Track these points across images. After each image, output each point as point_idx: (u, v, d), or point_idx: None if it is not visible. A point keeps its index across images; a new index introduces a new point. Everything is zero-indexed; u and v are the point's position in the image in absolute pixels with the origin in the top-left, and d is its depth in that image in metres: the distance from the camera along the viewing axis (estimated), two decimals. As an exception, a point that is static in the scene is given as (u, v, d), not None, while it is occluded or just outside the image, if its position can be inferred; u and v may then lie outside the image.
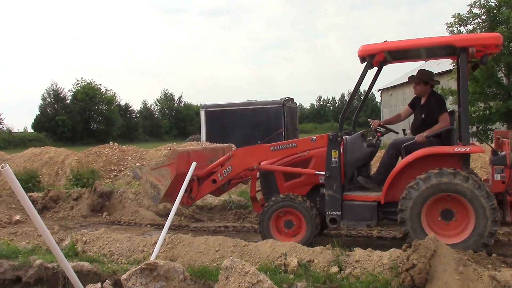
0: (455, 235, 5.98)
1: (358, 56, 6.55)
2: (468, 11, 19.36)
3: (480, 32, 19.01)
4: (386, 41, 6.60)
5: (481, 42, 6.14)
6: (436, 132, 6.49)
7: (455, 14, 19.39)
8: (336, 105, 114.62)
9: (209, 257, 5.86)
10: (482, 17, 19.15)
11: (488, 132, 19.23)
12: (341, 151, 6.55)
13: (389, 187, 6.26)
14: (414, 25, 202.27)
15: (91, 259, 6.25)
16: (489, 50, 6.29)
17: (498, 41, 6.09)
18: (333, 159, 6.53)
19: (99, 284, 3.08)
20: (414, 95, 7.17)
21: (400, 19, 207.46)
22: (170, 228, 7.72)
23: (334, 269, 5.25)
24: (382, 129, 7.10)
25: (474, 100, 19.03)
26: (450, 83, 22.30)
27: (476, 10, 19.21)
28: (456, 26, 19.52)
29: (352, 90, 7.79)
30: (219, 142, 15.39)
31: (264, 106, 21.13)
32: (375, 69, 7.36)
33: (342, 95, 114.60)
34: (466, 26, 19.52)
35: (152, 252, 5.86)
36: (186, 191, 7.17)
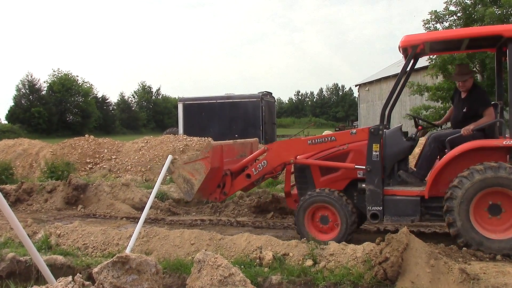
0: (505, 230, 5.79)
1: (400, 47, 6.36)
2: (444, 8, 19.63)
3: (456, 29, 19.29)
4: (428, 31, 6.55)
5: None
6: (482, 125, 6.31)
7: (432, 11, 19.66)
8: (314, 100, 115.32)
9: (184, 251, 5.85)
10: (458, 14, 19.44)
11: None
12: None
13: (433, 181, 6.09)
14: (392, 21, 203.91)
15: (65, 252, 6.19)
16: None
17: None
18: (374, 153, 6.34)
19: (70, 277, 3.05)
20: (454, 90, 7.02)
21: (377, 15, 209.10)
22: (146, 221, 7.72)
23: (309, 262, 5.28)
24: (424, 123, 7.00)
25: (449, 96, 19.32)
26: (426, 79, 22.61)
27: (452, 8, 19.50)
28: (433, 23, 19.78)
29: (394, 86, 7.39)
30: (197, 135, 15.33)
31: (242, 100, 21.13)
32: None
33: (321, 90, 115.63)
34: (442, 23, 19.80)
35: (127, 245, 5.84)
36: (218, 186, 7.15)
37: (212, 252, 5.63)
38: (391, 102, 6.62)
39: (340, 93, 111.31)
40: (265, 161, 6.93)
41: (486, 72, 18.50)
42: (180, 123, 21.94)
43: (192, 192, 6.90)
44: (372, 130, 6.37)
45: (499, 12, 18.21)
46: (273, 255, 5.40)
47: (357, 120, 44.10)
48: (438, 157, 6.49)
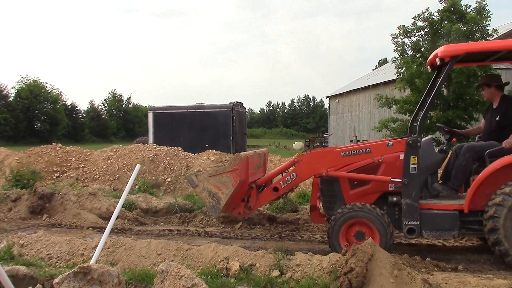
0: None
1: (440, 56, 6.20)
2: (412, 23, 20.11)
3: (423, 44, 19.80)
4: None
5: None
6: None
7: (400, 25, 20.12)
8: (285, 111, 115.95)
9: (150, 261, 5.80)
10: (425, 29, 19.94)
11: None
12: None
13: (473, 195, 5.96)
14: (361, 35, 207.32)
15: (28, 263, 6.04)
16: None
17: None
18: (411, 166, 6.13)
19: (31, 289, 3.00)
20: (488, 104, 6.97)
21: (348, 27, 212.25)
22: (112, 231, 7.62)
23: (275, 273, 5.30)
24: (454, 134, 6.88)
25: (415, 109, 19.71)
26: (394, 92, 23.03)
27: (420, 23, 20.01)
28: (401, 37, 20.24)
29: (425, 95, 7.36)
30: (167, 144, 15.22)
31: (213, 110, 21.09)
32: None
33: (292, 101, 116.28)
34: (410, 38, 20.28)
35: (93, 255, 5.74)
36: (242, 200, 6.80)
37: (179, 262, 5.62)
38: (422, 112, 6.54)
39: (311, 105, 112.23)
40: (294, 174, 6.62)
41: (452, 86, 18.97)
42: (150, 132, 21.76)
43: (219, 207, 6.47)
44: (410, 141, 6.18)
45: (465, 28, 18.76)
46: (239, 265, 5.39)
47: (327, 132, 44.46)
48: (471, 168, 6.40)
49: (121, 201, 6.42)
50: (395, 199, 6.28)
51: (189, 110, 21.45)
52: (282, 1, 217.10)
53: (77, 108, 76.72)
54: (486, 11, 19.43)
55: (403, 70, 19.78)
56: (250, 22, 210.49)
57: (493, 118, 6.56)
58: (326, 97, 45.35)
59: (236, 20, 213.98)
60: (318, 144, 41.93)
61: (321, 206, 7.08)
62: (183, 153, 14.27)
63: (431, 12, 19.86)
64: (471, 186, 6.00)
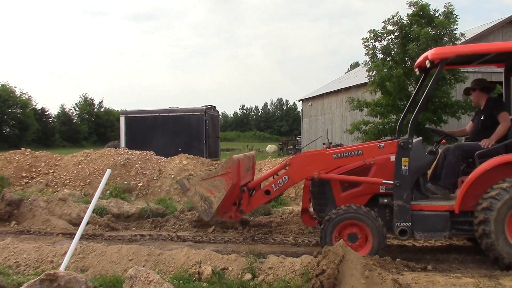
0: None
1: (430, 59, 6.28)
2: (382, 28, 20.39)
3: (393, 48, 20.12)
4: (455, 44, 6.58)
5: None
6: (499, 136, 6.39)
7: (371, 30, 20.39)
8: (259, 114, 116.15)
9: (121, 267, 5.73)
10: (395, 33, 20.24)
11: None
12: None
13: (464, 195, 6.04)
14: (333, 38, 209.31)
15: (-5, 271, 5.91)
16: None
17: None
18: (403, 167, 6.20)
19: (-4, 297, 2.94)
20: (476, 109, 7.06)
21: (320, 31, 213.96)
22: (83, 237, 7.51)
23: (248, 276, 5.30)
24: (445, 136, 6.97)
25: (387, 112, 20.03)
26: (366, 95, 23.31)
27: (390, 27, 20.30)
28: (372, 41, 20.50)
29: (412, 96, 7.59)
30: (139, 149, 15.08)
31: (186, 114, 21.02)
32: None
33: (265, 104, 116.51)
34: (381, 42, 20.56)
35: (62, 262, 5.65)
36: (234, 203, 6.71)
37: (151, 267, 5.58)
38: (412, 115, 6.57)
39: (285, 108, 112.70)
40: (286, 176, 6.57)
41: (422, 89, 19.24)
42: (122, 136, 21.55)
43: (211, 211, 6.38)
44: (401, 143, 6.24)
45: (434, 32, 19.11)
46: (212, 269, 5.38)
47: (301, 135, 44.68)
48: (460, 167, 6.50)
49: (91, 207, 6.33)
50: (386, 200, 6.33)
51: (161, 114, 21.34)
52: (253, 5, 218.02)
53: (47, 113, 75.26)
54: (454, 16, 19.84)
55: (374, 73, 20.04)
56: (222, 25, 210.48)
57: (479, 119, 6.73)
58: (299, 100, 45.59)
59: (208, 24, 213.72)
60: (291, 147, 42.12)
61: (312, 208, 7.10)
62: (156, 157, 14.17)
63: (400, 17, 20.20)
64: (462, 187, 6.08)
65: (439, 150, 6.90)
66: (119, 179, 12.61)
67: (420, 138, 6.70)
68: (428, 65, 6.43)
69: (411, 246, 7.36)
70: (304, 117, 43.80)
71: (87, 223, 7.80)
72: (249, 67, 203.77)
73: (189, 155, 14.02)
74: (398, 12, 20.35)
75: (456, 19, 19.80)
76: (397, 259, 6.01)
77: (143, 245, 6.92)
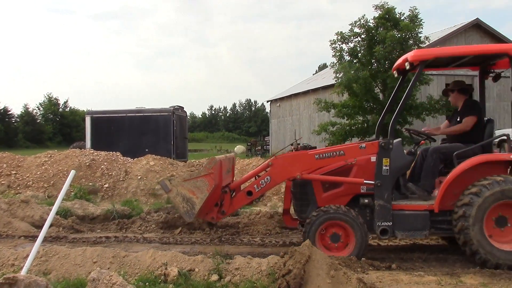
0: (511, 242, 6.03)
1: (410, 61, 6.37)
2: (349, 30, 20.63)
3: (360, 50, 20.39)
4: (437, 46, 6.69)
5: None
6: (450, 132, 6.64)
7: (338, 32, 20.59)
8: (227, 115, 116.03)
9: (86, 269, 5.62)
10: (362, 36, 20.50)
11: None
12: None
13: (443, 195, 6.18)
14: (301, 40, 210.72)
15: (-47, 275, 5.73)
16: None
17: None
18: (384, 167, 6.29)
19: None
20: (454, 108, 7.23)
21: (288, 33, 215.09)
22: (46, 240, 7.35)
23: (214, 277, 5.28)
24: (423, 136, 6.99)
25: (353, 113, 20.28)
26: (333, 97, 23.54)
27: (356, 29, 20.55)
28: (339, 43, 20.71)
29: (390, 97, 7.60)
30: (105, 149, 14.86)
31: (153, 114, 20.81)
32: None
33: (234, 105, 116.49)
34: (348, 44, 20.79)
35: (24, 265, 5.51)
36: (216, 204, 6.64)
37: (116, 270, 5.50)
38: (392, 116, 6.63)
39: (253, 109, 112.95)
40: (268, 177, 6.56)
41: (387, 91, 19.60)
42: (87, 137, 21.19)
43: (193, 212, 6.34)
44: (382, 144, 6.34)
45: (399, 35, 19.45)
46: (178, 271, 5.33)
47: (269, 136, 44.85)
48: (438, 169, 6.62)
49: (54, 208, 6.20)
50: (366, 201, 6.41)
51: (128, 114, 21.07)
52: (222, 5, 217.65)
53: (10, 113, 73.41)
54: (419, 19, 20.22)
55: (341, 75, 20.25)
56: (190, 26, 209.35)
57: (456, 120, 6.88)
58: (267, 101, 45.71)
59: (176, 24, 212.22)
60: (259, 147, 42.21)
61: (293, 209, 7.10)
62: (122, 158, 13.98)
63: (367, 19, 20.46)
64: (441, 186, 6.21)
65: (418, 151, 7.03)
66: (84, 180, 12.40)
67: (400, 139, 6.81)
68: (407, 67, 6.53)
69: (376, 245, 7.47)
70: (272, 118, 43.95)
71: (51, 225, 7.65)
72: (218, 68, 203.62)
73: (156, 156, 13.88)
74: (364, 15, 20.66)
75: (421, 22, 20.20)
76: (362, 258, 6.09)
77: (108, 247, 6.82)
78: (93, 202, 10.95)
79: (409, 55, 6.45)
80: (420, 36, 20.34)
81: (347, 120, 20.74)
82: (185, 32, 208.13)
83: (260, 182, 6.59)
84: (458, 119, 6.87)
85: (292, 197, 6.99)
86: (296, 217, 7.20)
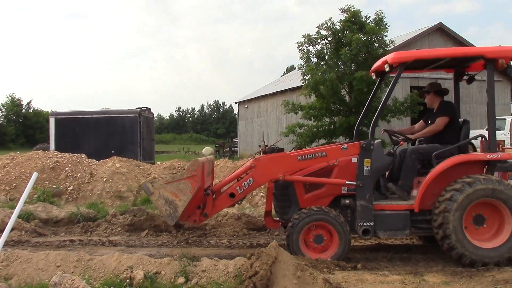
0: (489, 240, 6.22)
1: (390, 63, 6.50)
2: (316, 33, 20.80)
3: (327, 52, 20.60)
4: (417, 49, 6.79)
5: (509, 55, 6.46)
6: (424, 133, 6.81)
7: (305, 34, 20.74)
8: (195, 116, 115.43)
9: (49, 274, 5.49)
10: (329, 38, 20.70)
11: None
12: None
13: (423, 195, 6.31)
14: (269, 42, 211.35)
15: None
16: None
17: None
18: (365, 168, 6.38)
19: None
20: (428, 109, 7.38)
21: (256, 35, 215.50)
22: (7, 244, 7.16)
23: (181, 279, 5.26)
24: (400, 137, 7.08)
25: (320, 115, 20.46)
26: (300, 98, 23.70)
27: (323, 32, 20.73)
28: (306, 45, 20.87)
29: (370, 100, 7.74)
30: (70, 151, 14.56)
31: (119, 115, 20.52)
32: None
33: (202, 106, 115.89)
34: (315, 46, 20.97)
35: (-17, 271, 5.37)
36: (198, 207, 6.54)
37: (80, 274, 5.41)
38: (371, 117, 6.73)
39: (221, 110, 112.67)
40: (251, 179, 6.55)
41: (354, 93, 19.85)
42: (51, 138, 20.74)
43: (176, 215, 6.26)
44: (364, 145, 6.43)
45: (365, 38, 19.73)
46: (144, 274, 5.27)
47: (237, 137, 44.85)
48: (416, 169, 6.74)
49: (16, 212, 6.06)
50: (347, 201, 6.49)
51: (93, 116, 20.73)
52: (190, 7, 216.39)
53: (-30, 113, 71.34)
54: (384, 23, 20.55)
55: (308, 77, 20.41)
56: (158, 27, 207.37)
57: (432, 122, 7.03)
58: (235, 103, 45.68)
59: (143, 24, 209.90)
60: (227, 149, 42.14)
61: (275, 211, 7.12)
62: (87, 160, 13.73)
63: (333, 22, 20.67)
64: (421, 186, 6.35)
65: (397, 151, 7.16)
66: (47, 182, 12.13)
67: (380, 140, 6.92)
68: (387, 69, 6.65)
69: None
70: (240, 120, 43.95)
71: (12, 229, 7.49)
72: (186, 69, 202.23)
73: (122, 158, 13.70)
74: (331, 18, 20.85)
75: (386, 26, 20.54)
76: (329, 259, 6.15)
77: (72, 250, 6.69)
78: (57, 205, 10.73)
79: (389, 57, 6.58)
80: (386, 40, 20.68)
81: (314, 122, 20.90)
82: (153, 33, 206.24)
83: (243, 184, 6.57)
84: (430, 121, 7.06)
85: (273, 198, 7.01)
86: (278, 218, 7.21)
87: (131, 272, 5.35)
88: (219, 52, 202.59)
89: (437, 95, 7.14)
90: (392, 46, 21.46)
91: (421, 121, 7.49)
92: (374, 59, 19.86)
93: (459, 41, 27.04)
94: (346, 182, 6.46)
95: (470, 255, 6.03)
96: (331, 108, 20.36)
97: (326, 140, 20.57)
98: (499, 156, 6.38)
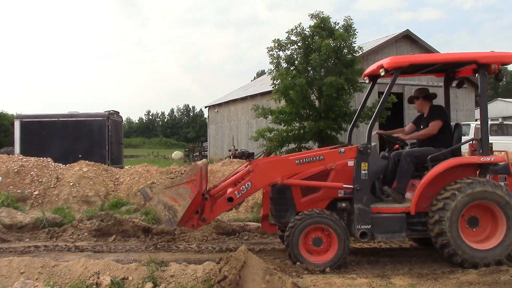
0: (483, 241, 6.39)
1: (385, 67, 6.59)
2: (286, 38, 20.93)
3: (296, 57, 20.74)
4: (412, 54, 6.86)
5: (501, 60, 6.69)
6: (418, 136, 6.96)
7: (275, 39, 20.83)
8: (165, 120, 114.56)
9: (12, 280, 5.33)
10: (298, 43, 20.84)
11: (302, 150, 20.87)
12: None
13: (419, 197, 6.41)
14: (240, 46, 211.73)
15: None
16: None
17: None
18: (362, 172, 6.43)
19: None
20: (418, 113, 7.51)
21: (228, 39, 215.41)
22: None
23: (149, 285, 5.19)
24: (393, 139, 7.17)
25: (290, 120, 20.56)
26: (270, 103, 23.79)
27: (293, 37, 20.86)
28: (276, 50, 20.96)
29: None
30: (36, 155, 14.24)
31: (87, 119, 20.20)
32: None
33: (172, 110, 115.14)
34: (285, 51, 21.08)
35: None
36: (196, 212, 6.44)
37: (45, 280, 5.29)
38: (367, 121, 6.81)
39: (191, 114, 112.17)
40: (249, 183, 6.49)
41: (323, 99, 20.02)
42: (16, 142, 20.26)
43: (175, 220, 6.18)
44: (361, 149, 6.48)
45: (334, 44, 19.93)
46: (111, 280, 5.19)
47: (207, 141, 44.69)
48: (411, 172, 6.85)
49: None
50: (344, 204, 6.53)
51: (60, 119, 20.33)
52: (160, 10, 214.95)
53: None
54: (353, 29, 20.81)
55: (278, 82, 20.49)
56: (127, 29, 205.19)
57: (424, 126, 7.18)
58: (206, 107, 45.54)
59: (113, 27, 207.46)
60: (197, 153, 41.95)
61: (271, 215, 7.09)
62: (53, 164, 13.47)
63: (303, 28, 20.82)
64: (417, 189, 6.46)
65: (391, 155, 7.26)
66: (12, 187, 11.84)
67: (375, 143, 6.96)
68: (382, 74, 6.75)
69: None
70: (210, 124, 43.83)
71: (-26, 235, 7.26)
72: (156, 73, 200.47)
73: (90, 162, 13.48)
74: (301, 23, 20.99)
75: (355, 32, 20.79)
76: (297, 262, 6.18)
77: (37, 256, 6.52)
78: (21, 210, 10.48)
79: (384, 62, 6.72)
80: (354, 46, 20.94)
81: (284, 126, 20.98)
82: (123, 36, 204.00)
83: (241, 188, 6.53)
84: (422, 126, 7.20)
85: (270, 202, 7.00)
86: (274, 222, 7.19)
87: (98, 278, 5.26)
88: (190, 56, 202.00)
89: (426, 100, 7.31)
90: (361, 52, 21.75)
91: (411, 124, 7.66)
92: (343, 64, 20.12)
93: (426, 48, 27.59)
94: (344, 185, 6.52)
95: (465, 256, 6.21)
96: (300, 113, 20.46)
97: (296, 145, 20.68)
98: (492, 159, 6.58)
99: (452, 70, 7.48)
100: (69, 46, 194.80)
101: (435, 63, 7.06)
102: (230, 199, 6.54)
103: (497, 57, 6.69)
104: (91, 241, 8.22)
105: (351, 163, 6.56)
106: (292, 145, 20.80)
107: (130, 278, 5.32)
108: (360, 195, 6.45)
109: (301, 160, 6.69)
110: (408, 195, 6.76)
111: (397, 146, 7.35)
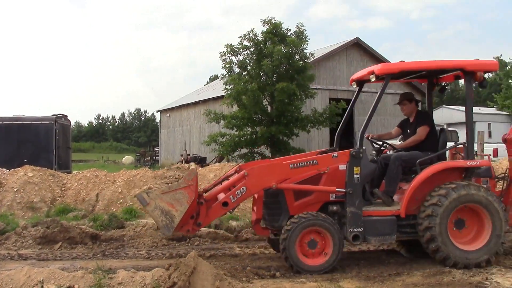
0: (469, 242, 6.57)
1: (377, 74, 6.72)
2: (239, 43, 21.04)
3: (249, 62, 20.88)
4: (402, 61, 7.00)
5: (486, 68, 7.01)
6: (408, 144, 7.04)
7: (228, 44, 20.92)
8: (115, 124, 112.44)
9: (-51, 292, 5.14)
10: (251, 49, 21.00)
11: (255, 154, 20.99)
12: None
13: (408, 200, 6.51)
14: (192, 50, 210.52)
15: None
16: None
17: (496, 67, 7.18)
18: (355, 175, 6.49)
19: None
20: (404, 117, 7.63)
21: (180, 44, 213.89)
22: None
23: (95, 293, 5.08)
24: (384, 144, 7.23)
25: (242, 124, 20.66)
26: (223, 108, 23.80)
27: (246, 42, 21.02)
28: (229, 55, 21.04)
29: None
30: (-23, 160, 13.73)
31: (33, 122, 19.53)
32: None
33: (123, 114, 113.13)
34: (237, 56, 21.19)
35: None
36: (192, 217, 6.31)
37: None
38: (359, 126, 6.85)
39: (143, 118, 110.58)
40: (244, 187, 6.44)
41: (275, 104, 20.21)
42: (-44, 145, 19.40)
43: (173, 226, 6.09)
44: (353, 153, 6.54)
45: (286, 50, 20.19)
46: (56, 288, 5.05)
47: (159, 146, 44.19)
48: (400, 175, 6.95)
49: None
50: (335, 208, 6.59)
51: (4, 122, 19.57)
52: (110, 12, 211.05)
53: None
54: (305, 36, 21.16)
55: (230, 86, 20.56)
56: (75, 30, 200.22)
57: (411, 131, 7.35)
58: (158, 111, 45.06)
59: (59, 27, 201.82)
60: (148, 158, 41.40)
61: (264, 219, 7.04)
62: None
63: (256, 33, 21.01)
64: (407, 192, 6.59)
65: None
66: (-49, 193, 11.33)
67: (365, 148, 7.00)
68: (372, 79, 6.90)
69: (262, 254, 7.61)
70: (162, 128, 43.40)
71: None
72: (106, 76, 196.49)
73: (35, 167, 13.03)
74: (253, 28, 21.18)
75: (307, 39, 21.15)
76: (248, 267, 6.19)
77: (-23, 266, 6.28)
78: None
79: (375, 68, 6.87)
80: (306, 52, 21.28)
81: (236, 131, 21.06)
82: (71, 37, 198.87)
83: (236, 193, 6.48)
84: (409, 130, 7.39)
85: (263, 206, 6.97)
86: (266, 226, 7.14)
87: (42, 287, 5.11)
88: (142, 59, 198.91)
89: (415, 104, 7.51)
90: (312, 59, 22.11)
91: (396, 127, 7.85)
92: (295, 70, 20.41)
93: (375, 56, 28.34)
94: (337, 189, 6.58)
95: (456, 258, 6.39)
96: (253, 118, 20.61)
97: (248, 150, 20.77)
98: (477, 163, 6.84)
99: (436, 76, 7.74)
100: (16, 47, 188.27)
101: (423, 69, 7.26)
102: (225, 204, 6.52)
103: (482, 65, 6.98)
104: (35, 249, 7.94)
105: (342, 167, 6.67)
106: (244, 150, 20.88)
107: (76, 286, 5.19)
108: (353, 199, 6.55)
109: (295, 165, 6.72)
110: (395, 197, 6.94)
111: (386, 150, 7.53)
